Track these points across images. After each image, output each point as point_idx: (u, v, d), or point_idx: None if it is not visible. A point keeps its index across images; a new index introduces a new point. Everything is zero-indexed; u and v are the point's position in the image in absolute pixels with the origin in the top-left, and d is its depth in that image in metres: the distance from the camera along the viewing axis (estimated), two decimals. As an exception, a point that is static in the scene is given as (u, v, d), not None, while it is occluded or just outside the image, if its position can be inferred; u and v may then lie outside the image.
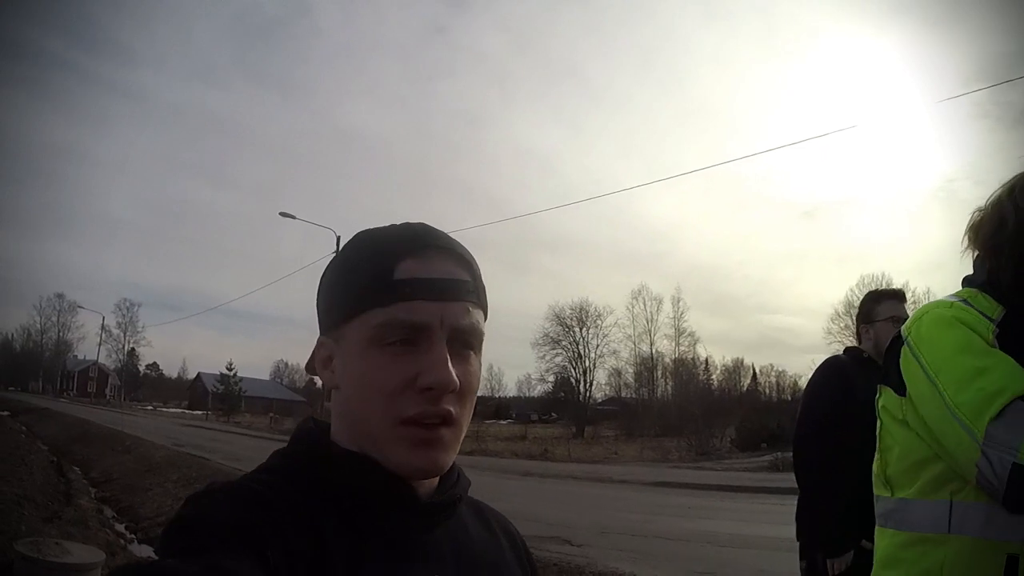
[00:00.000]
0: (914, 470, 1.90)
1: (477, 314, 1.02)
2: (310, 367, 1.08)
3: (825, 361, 4.09)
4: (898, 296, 3.85)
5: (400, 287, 0.96)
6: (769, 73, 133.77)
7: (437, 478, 1.05)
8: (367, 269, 0.99)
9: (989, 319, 1.86)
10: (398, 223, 1.07)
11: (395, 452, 0.96)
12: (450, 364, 0.95)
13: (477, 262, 1.07)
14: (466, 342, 1.00)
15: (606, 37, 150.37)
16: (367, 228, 1.09)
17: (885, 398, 2.04)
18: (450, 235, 1.07)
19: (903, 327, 2.01)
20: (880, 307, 3.84)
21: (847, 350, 3.96)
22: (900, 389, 1.94)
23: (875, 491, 2.07)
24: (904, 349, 1.94)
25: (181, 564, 0.74)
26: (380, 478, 0.97)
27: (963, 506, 1.79)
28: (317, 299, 1.09)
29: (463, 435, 1.03)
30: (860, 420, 3.46)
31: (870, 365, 3.68)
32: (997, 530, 1.73)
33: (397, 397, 0.95)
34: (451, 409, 0.97)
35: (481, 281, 1.06)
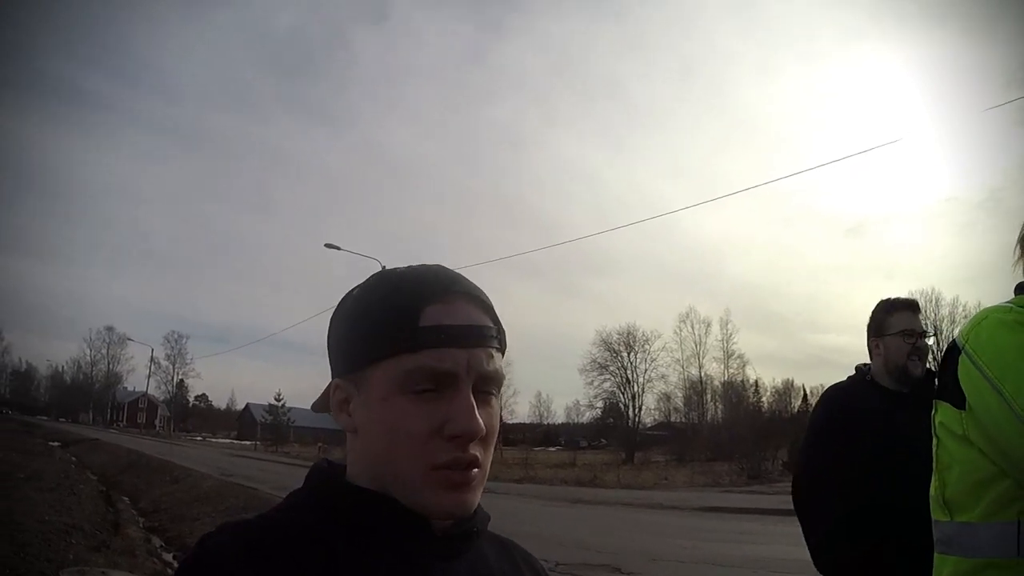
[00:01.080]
0: (977, 490, 1.78)
1: (499, 359, 1.03)
2: (319, 406, 1.09)
3: (827, 390, 3.86)
4: (911, 307, 3.53)
5: (427, 334, 0.96)
6: (811, 86, 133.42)
7: None
8: (391, 314, 0.98)
9: None
10: (415, 264, 1.07)
11: (427, 496, 0.96)
12: (476, 412, 0.95)
13: (494, 305, 1.07)
14: (489, 388, 1.00)
15: (645, 54, 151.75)
16: (385, 270, 1.10)
17: (942, 414, 1.91)
18: (467, 277, 1.06)
19: (958, 334, 1.90)
20: (892, 319, 3.50)
21: (856, 369, 3.65)
22: (959, 402, 1.82)
23: (933, 515, 1.96)
24: (962, 358, 1.82)
25: None
26: (395, 512, 0.96)
27: None
28: (328, 340, 1.08)
29: (486, 476, 1.01)
30: (859, 451, 3.33)
31: (874, 389, 3.48)
32: None
33: (425, 443, 0.95)
34: (477, 454, 0.97)
35: (501, 324, 1.06)
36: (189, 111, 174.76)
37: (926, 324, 3.48)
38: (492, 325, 1.03)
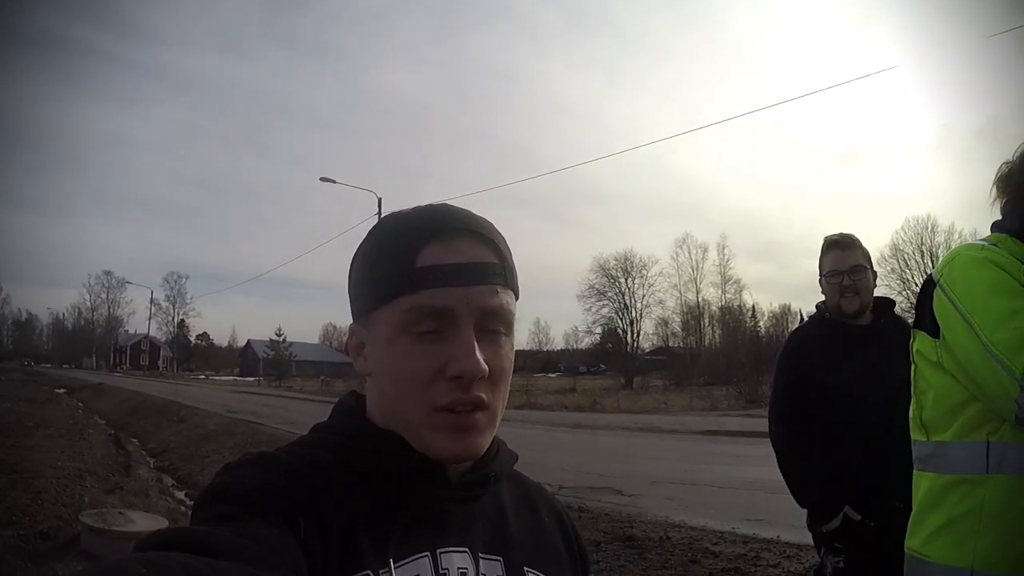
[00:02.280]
0: (951, 413, 1.95)
1: (506, 295, 1.01)
2: (346, 350, 1.09)
3: (789, 335, 4.07)
4: (838, 245, 3.61)
5: (424, 273, 0.96)
6: (806, 13, 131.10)
7: None
8: (391, 257, 0.99)
9: (1020, 261, 1.89)
10: (422, 205, 1.05)
11: (432, 439, 0.96)
12: (478, 351, 0.95)
13: (506, 241, 1.06)
14: (495, 325, 0.99)
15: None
16: (391, 213, 1.09)
17: (919, 342, 2.07)
18: (474, 214, 1.06)
19: (935, 270, 2.04)
20: (823, 260, 3.63)
21: (816, 308, 3.77)
22: (934, 332, 1.98)
23: (912, 436, 2.11)
24: (937, 291, 1.97)
25: (213, 530, 0.76)
26: (412, 455, 0.97)
27: (1001, 446, 1.85)
28: (348, 286, 1.08)
29: (499, 418, 1.03)
30: (820, 392, 3.48)
31: (831, 326, 3.62)
32: None
33: (429, 385, 0.95)
34: (483, 395, 0.97)
35: (510, 261, 1.04)
36: (175, 53, 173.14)
37: (860, 257, 3.57)
38: (496, 262, 1.01)
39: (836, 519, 3.42)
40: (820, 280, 3.66)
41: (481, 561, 1.01)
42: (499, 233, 1.06)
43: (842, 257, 3.56)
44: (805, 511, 3.61)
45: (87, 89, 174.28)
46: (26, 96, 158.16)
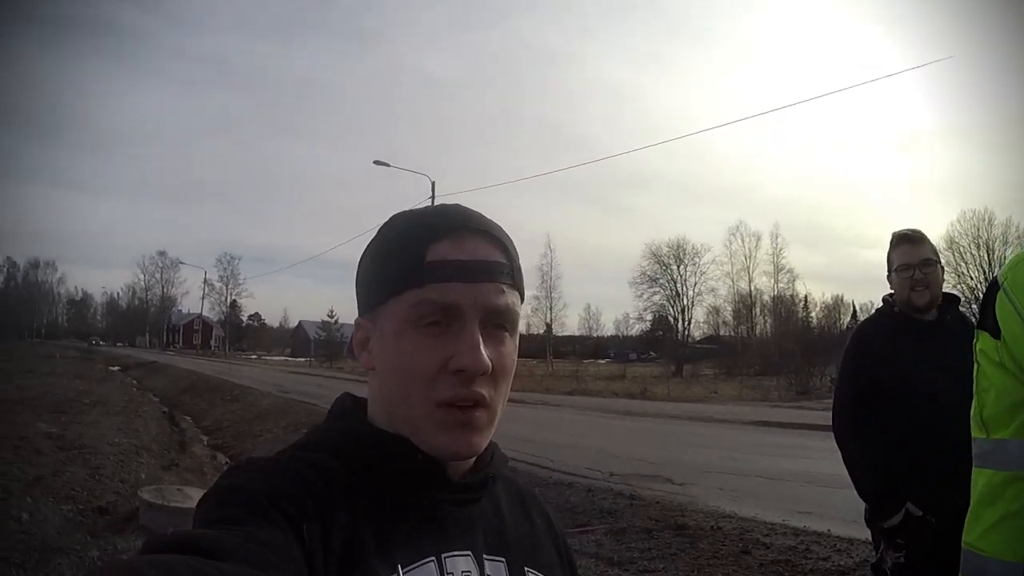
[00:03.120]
0: (1011, 411, 1.96)
1: (512, 295, 1.02)
2: (350, 348, 1.11)
3: (856, 327, 4.09)
4: (908, 239, 3.62)
5: (432, 268, 0.97)
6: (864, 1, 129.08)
7: (472, 459, 1.07)
8: (400, 252, 1.00)
9: None
10: (433, 204, 1.08)
11: (431, 434, 0.97)
12: (482, 347, 0.96)
13: (514, 243, 1.07)
14: (500, 323, 1.00)
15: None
16: (402, 211, 1.10)
17: (982, 342, 2.07)
18: (484, 215, 1.07)
19: (1000, 272, 2.05)
20: (893, 254, 3.64)
21: (884, 301, 3.76)
22: (996, 333, 1.99)
23: (972, 433, 2.11)
24: (1000, 294, 1.98)
25: (217, 533, 0.76)
26: (412, 457, 0.98)
27: None
28: (356, 281, 1.09)
29: (498, 417, 1.03)
30: (889, 386, 3.47)
31: (900, 320, 3.62)
32: None
33: (431, 380, 0.96)
34: (484, 392, 0.97)
35: (517, 263, 1.06)
36: (228, 40, 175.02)
37: (930, 252, 3.58)
38: (504, 261, 1.02)
39: (898, 514, 3.41)
40: (889, 275, 3.66)
41: (486, 563, 1.02)
42: (508, 235, 1.06)
43: (912, 251, 3.56)
44: (863, 505, 3.60)
45: (141, 73, 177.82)
46: (82, 79, 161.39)
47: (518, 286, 1.04)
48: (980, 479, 2.05)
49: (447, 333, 0.97)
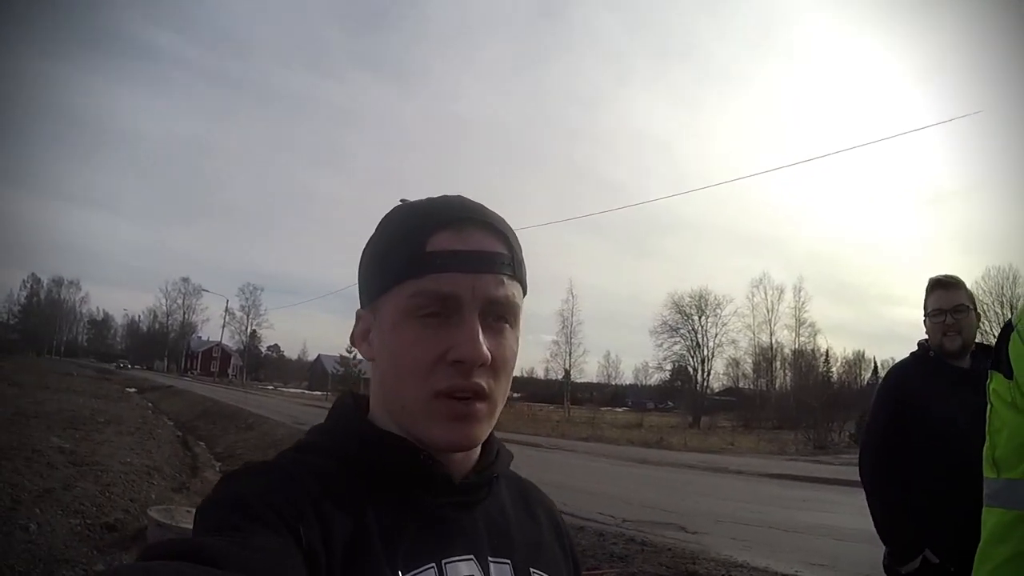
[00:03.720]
0: (1022, 451, 1.99)
1: (513, 286, 1.01)
2: (352, 339, 1.10)
3: (890, 369, 4.02)
4: (942, 285, 3.66)
5: (432, 259, 0.97)
6: (892, 54, 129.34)
7: (476, 456, 1.08)
8: (400, 242, 1.00)
9: None
10: (435, 196, 1.07)
11: (429, 425, 0.97)
12: (481, 337, 0.96)
13: (516, 235, 1.07)
14: (500, 315, 1.00)
15: (724, 14, 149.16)
16: (404, 202, 1.10)
17: (996, 382, 2.11)
18: (487, 207, 1.06)
19: (1015, 316, 2.10)
20: (928, 299, 3.68)
21: (919, 345, 3.78)
22: (1009, 373, 2.02)
23: (984, 472, 2.14)
24: (1013, 335, 2.03)
25: (215, 540, 0.75)
26: (415, 458, 0.98)
27: None
28: (358, 273, 1.09)
29: (499, 410, 1.03)
30: (917, 428, 3.44)
31: (938, 364, 3.60)
32: None
33: (430, 370, 0.96)
34: (483, 383, 0.97)
35: (520, 255, 1.06)
36: (261, 67, 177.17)
37: (964, 297, 3.60)
38: (505, 252, 1.02)
39: (915, 560, 3.39)
40: (924, 319, 3.68)
41: (491, 565, 1.00)
42: (510, 227, 1.06)
43: (946, 296, 3.60)
44: (878, 558, 3.61)
45: (175, 98, 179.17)
46: (115, 102, 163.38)
47: (519, 278, 1.04)
48: (991, 518, 2.07)
49: (446, 324, 0.96)
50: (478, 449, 1.07)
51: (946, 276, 3.66)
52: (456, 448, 0.99)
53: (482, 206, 1.05)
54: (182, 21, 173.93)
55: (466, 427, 0.97)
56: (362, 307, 1.08)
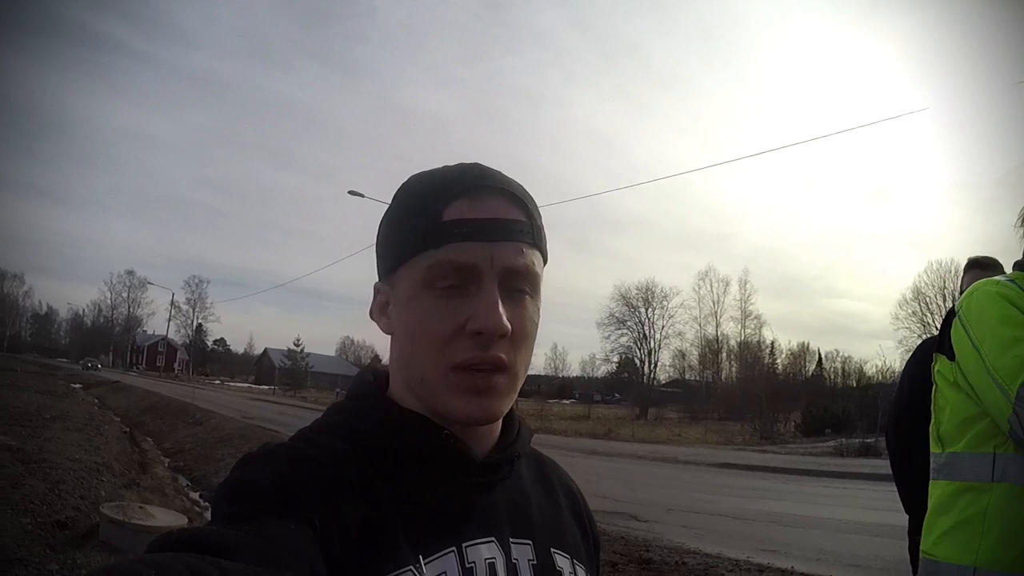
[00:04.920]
0: (963, 427, 2.13)
1: (532, 255, 0.97)
2: (371, 313, 1.06)
3: (920, 344, 4.04)
4: (981, 265, 3.66)
5: (449, 228, 0.93)
6: (836, 51, 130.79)
7: (497, 434, 1.04)
8: (418, 212, 0.96)
9: None
10: (451, 164, 1.02)
11: (449, 399, 0.93)
12: (501, 307, 0.91)
13: (536, 202, 1.03)
14: (520, 284, 0.96)
15: (667, 14, 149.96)
16: (420, 171, 1.05)
17: (940, 364, 2.26)
18: (505, 175, 1.02)
19: (958, 303, 2.22)
20: (964, 278, 3.72)
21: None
22: (951, 355, 2.16)
23: (931, 449, 2.30)
24: (955, 320, 2.16)
25: (227, 530, 0.73)
26: (436, 438, 0.95)
27: (1004, 458, 2.02)
28: (376, 245, 1.05)
29: (520, 382, 0.98)
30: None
31: None
32: None
33: (448, 342, 0.92)
34: (503, 356, 0.93)
35: (539, 222, 1.01)
36: (208, 59, 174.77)
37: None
38: (525, 220, 0.97)
39: None
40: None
41: (512, 547, 0.98)
42: (529, 194, 1.02)
43: (983, 276, 3.56)
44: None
45: (119, 86, 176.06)
46: (56, 89, 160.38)
47: (540, 246, 1.00)
48: (935, 490, 2.22)
49: (464, 295, 0.93)
50: (499, 426, 1.05)
51: (984, 256, 3.70)
52: (475, 422, 0.96)
53: (500, 172, 1.01)
54: (127, 8, 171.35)
55: (485, 400, 0.94)
56: (380, 280, 1.04)
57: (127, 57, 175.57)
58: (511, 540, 0.99)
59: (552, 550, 1.04)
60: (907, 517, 3.66)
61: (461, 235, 0.92)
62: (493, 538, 0.96)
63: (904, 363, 3.92)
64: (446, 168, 1.01)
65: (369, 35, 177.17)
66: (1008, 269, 2.32)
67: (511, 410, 1.04)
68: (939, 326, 2.35)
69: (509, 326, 0.92)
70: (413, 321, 0.95)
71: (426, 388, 0.95)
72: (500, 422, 1.04)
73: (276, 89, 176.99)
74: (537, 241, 0.99)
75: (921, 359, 3.75)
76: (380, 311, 1.04)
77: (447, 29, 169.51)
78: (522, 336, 0.96)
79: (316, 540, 0.79)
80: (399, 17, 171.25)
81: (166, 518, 8.53)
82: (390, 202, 1.05)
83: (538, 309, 1.00)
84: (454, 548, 0.91)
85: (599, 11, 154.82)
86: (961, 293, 3.65)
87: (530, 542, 1.01)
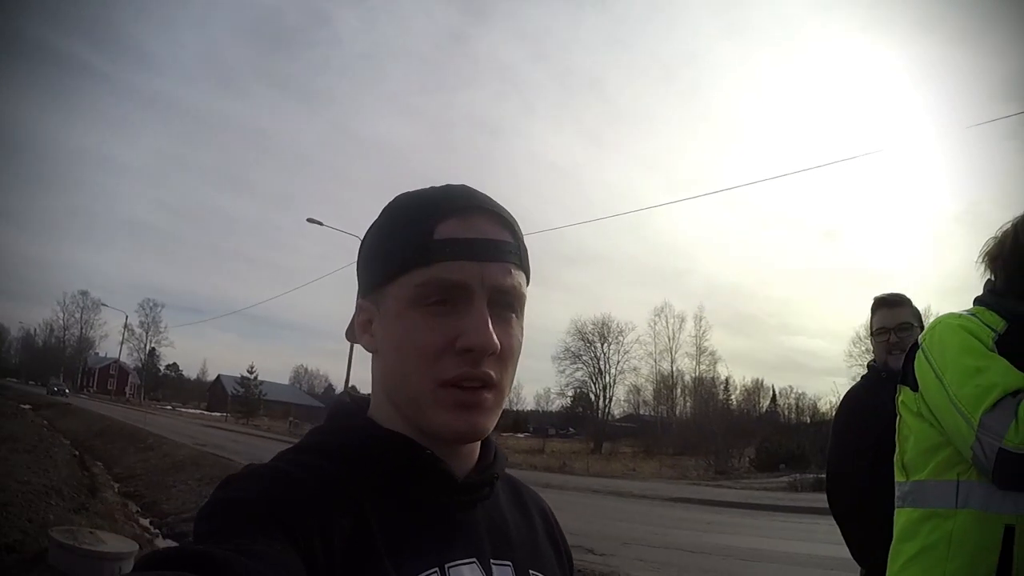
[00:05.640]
0: (927, 455, 2.17)
1: (519, 276, 1.00)
2: (350, 333, 1.08)
3: (843, 396, 4.00)
4: (886, 303, 3.66)
5: (440, 247, 0.95)
6: (793, 92, 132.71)
7: (476, 456, 1.06)
8: (407, 230, 0.98)
9: (991, 329, 2.12)
10: (438, 185, 1.05)
11: (435, 415, 0.94)
12: (491, 326, 0.93)
13: (519, 225, 1.05)
14: (507, 304, 0.98)
15: (627, 51, 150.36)
16: (406, 191, 1.07)
17: (904, 395, 2.31)
18: (491, 197, 1.05)
19: (921, 336, 2.28)
20: (873, 318, 3.69)
21: (868, 367, 3.78)
22: (915, 386, 2.22)
23: (896, 478, 2.32)
24: (919, 352, 2.22)
25: (210, 548, 0.73)
26: (418, 456, 0.96)
27: (968, 485, 2.05)
28: (358, 263, 1.07)
29: (504, 400, 1.00)
30: (877, 452, 3.47)
31: (884, 384, 3.41)
32: (996, 505, 1.99)
33: (437, 359, 0.94)
34: (491, 373, 0.95)
35: (524, 244, 1.04)
36: (167, 82, 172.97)
37: (908, 315, 3.59)
38: (512, 241, 1.00)
39: None
40: (870, 339, 3.73)
41: (493, 567, 0.99)
42: (514, 216, 1.05)
43: (890, 315, 3.61)
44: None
45: (76, 107, 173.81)
46: (10, 106, 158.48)
47: (525, 268, 1.02)
48: (900, 518, 2.25)
49: (453, 312, 0.94)
50: (478, 448, 1.07)
51: (890, 294, 3.69)
52: (462, 438, 0.97)
53: (486, 194, 1.04)
54: (89, 30, 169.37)
55: (473, 416, 0.95)
56: (362, 297, 1.05)
57: (88, 78, 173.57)
58: (492, 561, 1.00)
59: (531, 571, 1.05)
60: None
61: (452, 254, 0.95)
62: (475, 558, 0.97)
63: (833, 417, 3.87)
64: (435, 188, 1.04)
65: (331, 64, 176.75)
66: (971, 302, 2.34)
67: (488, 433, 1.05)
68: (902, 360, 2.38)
69: (499, 344, 0.94)
70: (401, 337, 0.96)
71: (413, 404, 0.97)
72: (479, 444, 1.07)
73: (236, 115, 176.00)
74: (523, 262, 1.02)
75: (847, 410, 3.75)
76: (363, 328, 1.05)
77: (409, 60, 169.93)
78: (509, 354, 0.98)
79: (301, 557, 0.79)
80: (362, 47, 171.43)
81: (116, 544, 8.41)
82: (377, 219, 1.06)
83: (523, 329, 1.03)
84: (437, 568, 0.92)
85: (559, 44, 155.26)
86: (872, 332, 3.72)
87: (510, 563, 1.02)
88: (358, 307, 1.06)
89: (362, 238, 1.09)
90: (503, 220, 1.01)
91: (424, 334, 0.94)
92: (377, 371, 1.03)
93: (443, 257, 0.94)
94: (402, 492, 0.95)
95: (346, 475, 0.93)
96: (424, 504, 0.96)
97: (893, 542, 2.26)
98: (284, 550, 0.78)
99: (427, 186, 1.05)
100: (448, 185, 1.04)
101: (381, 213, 1.06)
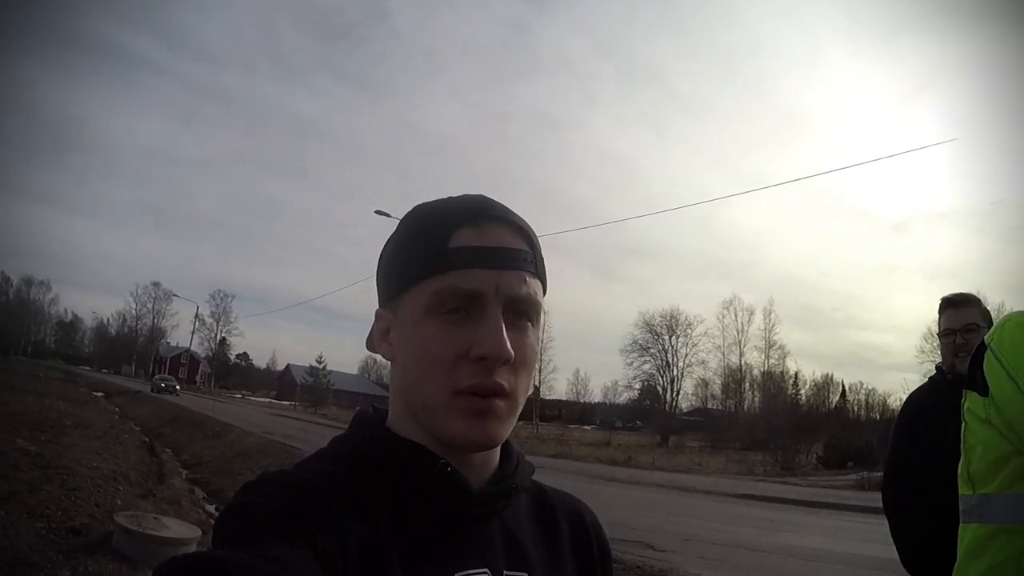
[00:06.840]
0: (996, 466, 2.02)
1: (534, 284, 1.00)
2: (369, 343, 1.08)
3: (906, 398, 3.89)
4: (953, 304, 3.54)
5: (455, 255, 0.95)
6: (860, 81, 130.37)
7: (494, 466, 1.05)
8: (423, 239, 0.98)
9: None
10: (454, 195, 1.05)
11: (450, 423, 0.95)
12: (505, 334, 0.93)
13: (536, 234, 1.05)
14: (522, 312, 0.98)
15: (690, 41, 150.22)
16: (423, 202, 1.07)
17: (970, 401, 2.15)
18: (506, 206, 1.04)
19: (987, 335, 2.12)
20: (941, 319, 3.57)
21: (937, 369, 3.66)
22: (984, 391, 2.05)
23: (960, 491, 2.18)
24: (987, 354, 2.05)
25: (229, 553, 0.74)
26: (434, 466, 0.96)
27: None
28: (377, 273, 1.08)
29: (519, 408, 1.00)
30: (939, 458, 3.38)
31: (950, 388, 3.31)
32: None
33: (452, 367, 0.94)
34: (504, 382, 0.95)
35: (540, 253, 1.04)
36: (234, 76, 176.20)
37: (976, 316, 3.45)
38: (528, 250, 1.00)
39: None
40: (939, 340, 3.62)
41: None
42: (530, 226, 1.04)
43: (956, 315, 3.50)
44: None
45: (142, 102, 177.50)
46: (82, 103, 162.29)
47: (540, 276, 1.02)
48: (967, 534, 2.11)
49: (468, 321, 0.94)
50: (496, 459, 1.06)
51: (957, 294, 3.58)
52: (477, 446, 0.97)
53: (502, 204, 1.04)
54: (153, 25, 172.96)
55: (487, 424, 0.95)
56: (381, 306, 1.06)
57: (153, 73, 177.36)
58: (505, 572, 0.99)
59: None
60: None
61: (467, 262, 0.95)
62: (487, 569, 0.97)
63: (895, 420, 3.75)
64: (451, 198, 1.04)
65: (391, 57, 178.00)
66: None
67: (510, 444, 1.07)
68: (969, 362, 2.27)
69: (512, 352, 0.94)
70: (417, 346, 0.97)
71: (428, 413, 0.97)
72: (498, 455, 1.07)
73: (302, 108, 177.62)
74: (539, 271, 1.02)
75: (910, 415, 3.64)
76: (381, 337, 1.06)
77: (468, 52, 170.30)
78: (523, 363, 0.98)
79: (318, 563, 0.80)
80: (420, 39, 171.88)
81: (180, 530, 8.53)
82: (395, 231, 1.07)
83: (539, 338, 1.03)
84: None
85: (621, 35, 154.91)
86: (938, 334, 3.58)
87: (525, 575, 1.01)
88: (377, 316, 1.07)
89: (381, 249, 1.09)
90: (519, 229, 1.01)
91: (439, 342, 0.95)
92: (396, 380, 1.04)
93: (458, 265, 0.95)
94: (417, 501, 0.95)
95: (362, 483, 0.93)
96: (439, 514, 0.96)
97: (959, 559, 2.14)
98: (302, 555, 0.78)
99: (469, 187, 1.06)
100: (465, 195, 1.05)
101: (399, 224, 1.07)
